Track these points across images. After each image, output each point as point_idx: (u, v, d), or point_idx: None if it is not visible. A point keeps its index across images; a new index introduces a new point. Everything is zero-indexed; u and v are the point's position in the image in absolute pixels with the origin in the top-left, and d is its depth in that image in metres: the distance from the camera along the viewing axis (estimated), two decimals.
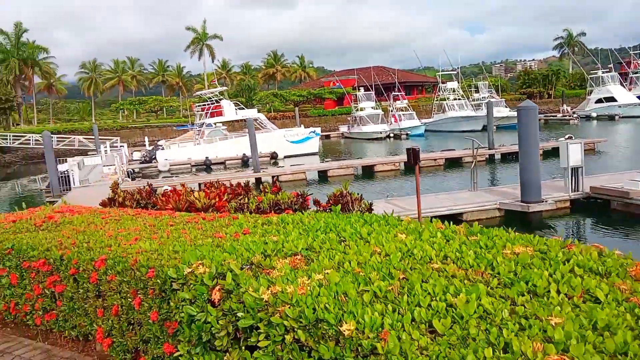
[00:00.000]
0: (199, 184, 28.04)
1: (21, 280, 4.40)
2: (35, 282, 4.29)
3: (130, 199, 6.63)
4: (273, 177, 26.03)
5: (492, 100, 47.69)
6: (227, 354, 3.05)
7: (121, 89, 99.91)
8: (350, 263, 2.95)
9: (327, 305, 2.37)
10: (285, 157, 38.01)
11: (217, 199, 6.25)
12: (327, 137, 60.30)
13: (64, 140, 55.18)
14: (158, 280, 3.36)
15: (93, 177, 29.78)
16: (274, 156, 37.70)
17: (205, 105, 43.02)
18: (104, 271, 3.76)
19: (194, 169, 37.13)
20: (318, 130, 41.46)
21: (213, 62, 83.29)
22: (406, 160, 27.10)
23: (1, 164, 53.64)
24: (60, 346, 4.33)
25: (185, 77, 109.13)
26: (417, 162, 7.63)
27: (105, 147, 43.67)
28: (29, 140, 55.68)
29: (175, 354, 3.32)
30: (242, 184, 7.01)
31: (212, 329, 3.05)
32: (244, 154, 35.92)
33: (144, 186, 7.04)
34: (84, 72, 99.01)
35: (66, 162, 32.00)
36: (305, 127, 42.11)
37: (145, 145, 50.35)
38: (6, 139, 55.86)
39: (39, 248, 4.32)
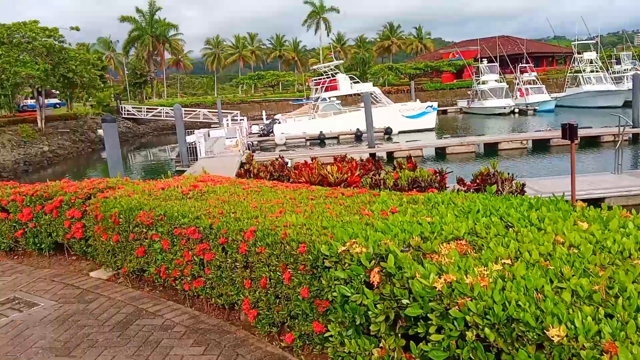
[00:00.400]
0: (311, 158, 28.58)
1: (172, 246, 4.58)
2: (185, 248, 4.43)
3: (264, 170, 6.71)
4: (388, 153, 25.62)
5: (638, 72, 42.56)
6: (382, 340, 2.86)
7: (241, 64, 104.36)
8: (530, 253, 2.58)
9: (519, 302, 2.05)
10: (399, 132, 37.29)
11: (349, 174, 6.09)
12: (444, 112, 58.11)
13: (190, 114, 58.94)
14: (309, 256, 3.25)
15: (217, 148, 31.51)
16: (387, 131, 37.14)
17: (320, 79, 43.38)
18: (253, 242, 3.75)
19: (308, 143, 37.80)
20: (435, 104, 40.01)
21: (329, 35, 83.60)
22: (537, 139, 25.11)
23: (136, 134, 58.70)
24: (207, 313, 4.46)
25: (301, 52, 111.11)
26: (574, 139, 6.85)
27: (227, 120, 46.02)
28: (160, 112, 60.40)
29: (325, 334, 3.22)
30: (372, 160, 6.77)
31: (368, 312, 2.88)
32: (357, 129, 35.79)
33: (276, 158, 7.07)
34: (208, 48, 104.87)
35: (193, 133, 34.20)
36: (421, 102, 40.86)
37: (262, 119, 52.20)
38: (141, 111, 61.04)
39: (189, 216, 4.45)
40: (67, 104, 58.34)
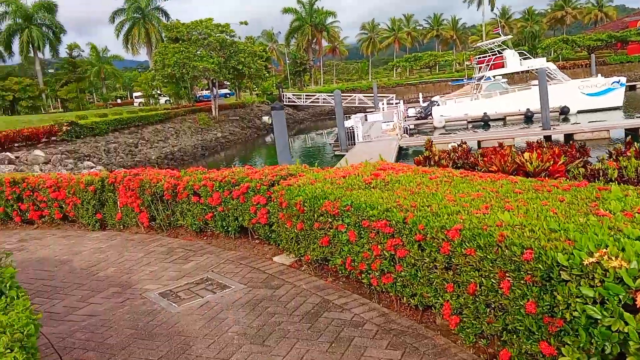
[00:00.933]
0: (478, 142, 27.11)
1: (359, 239, 4.34)
2: (374, 242, 4.15)
3: (447, 157, 6.16)
4: (566, 135, 23.02)
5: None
6: None
7: (396, 47, 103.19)
8: None
9: None
10: (578, 112, 33.42)
11: (551, 162, 5.26)
12: (632, 88, 50.76)
13: (346, 99, 59.93)
14: (539, 266, 2.70)
15: (373, 132, 31.45)
16: (564, 111, 33.51)
17: (484, 57, 40.71)
18: (458, 243, 3.29)
19: (470, 126, 35.83)
20: (623, 80, 35.00)
21: (492, 10, 78.29)
22: None
23: (295, 120, 61.51)
24: (397, 311, 4.15)
25: (460, 30, 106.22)
26: None
27: (383, 104, 45.77)
28: (318, 99, 62.48)
29: (557, 358, 2.66)
30: (576, 145, 5.82)
31: (627, 341, 2.28)
32: (528, 109, 32.88)
33: (459, 144, 6.47)
34: (364, 33, 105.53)
35: (350, 118, 34.55)
36: (604, 77, 36.06)
37: (419, 102, 50.90)
38: (300, 98, 63.80)
39: (378, 208, 4.14)
40: (236, 94, 63.39)
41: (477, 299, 3.24)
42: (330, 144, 33.68)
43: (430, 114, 37.89)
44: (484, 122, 35.32)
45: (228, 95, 67.46)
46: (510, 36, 53.59)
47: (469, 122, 36.26)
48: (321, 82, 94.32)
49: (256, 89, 57.86)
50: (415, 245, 3.72)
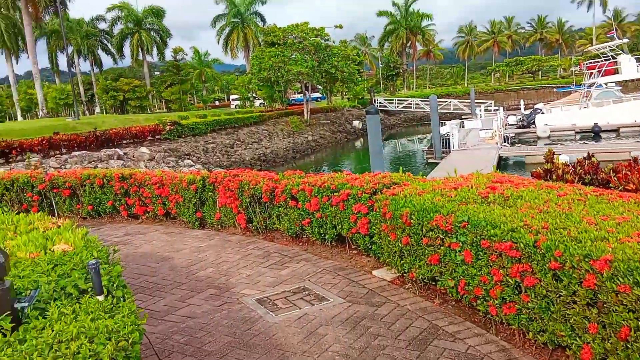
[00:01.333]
0: (588, 155, 24.92)
1: (476, 260, 3.90)
2: (495, 266, 3.69)
3: (572, 172, 5.49)
4: None
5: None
6: None
7: (495, 51, 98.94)
8: None
9: None
10: None
11: None
12: None
13: (441, 104, 58.20)
14: None
15: (470, 140, 30.13)
16: None
17: (595, 62, 37.65)
18: (608, 276, 2.78)
19: (577, 137, 33.24)
20: None
21: (604, 12, 72.62)
22: None
23: (386, 125, 60.67)
24: (520, 348, 3.65)
25: (566, 33, 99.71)
26: None
27: (480, 110, 43.88)
28: (411, 104, 61.34)
29: None
30: None
31: None
32: None
33: (584, 157, 5.76)
34: (460, 36, 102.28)
35: (445, 125, 33.40)
36: None
37: (520, 109, 48.23)
38: (392, 103, 63.00)
39: (501, 227, 3.68)
40: (327, 98, 63.92)
41: (630, 346, 2.70)
42: (423, 151, 32.69)
43: (533, 122, 35.66)
44: (594, 133, 32.59)
45: (319, 99, 68.29)
46: (626, 39, 49.31)
47: (576, 132, 33.66)
48: (414, 87, 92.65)
49: (347, 92, 57.99)
50: (549, 274, 3.22)
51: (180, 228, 8.09)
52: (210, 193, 7.56)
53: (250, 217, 7.14)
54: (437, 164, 25.59)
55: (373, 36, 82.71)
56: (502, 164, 24.17)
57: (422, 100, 60.77)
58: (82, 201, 9.10)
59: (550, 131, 33.81)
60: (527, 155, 24.59)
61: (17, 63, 61.06)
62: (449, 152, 26.43)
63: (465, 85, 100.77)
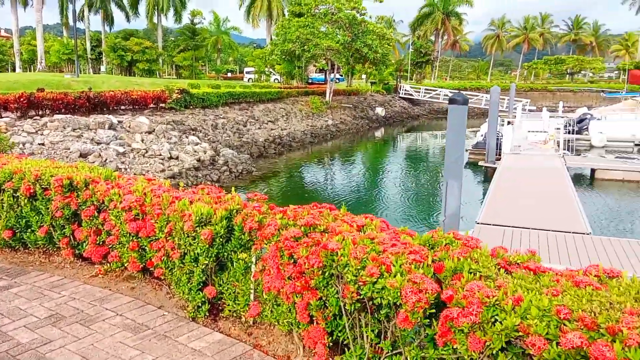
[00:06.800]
0: None
1: None
2: None
3: None
4: None
5: None
6: None
7: (525, 47, 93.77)
8: None
9: None
10: None
11: None
12: None
13: (472, 98, 53.80)
14: None
15: (517, 142, 26.11)
16: None
17: None
18: None
19: (636, 149, 29.17)
20: None
21: None
22: None
23: (410, 115, 56.35)
24: None
25: (602, 36, 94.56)
26: None
27: (524, 109, 39.54)
28: (439, 94, 56.89)
29: None
30: None
31: None
32: None
33: None
34: (491, 29, 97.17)
35: (485, 122, 29.33)
36: None
37: (557, 111, 43.94)
38: (418, 92, 58.55)
39: None
40: (347, 80, 59.42)
41: None
42: (467, 151, 27.85)
43: (586, 128, 31.46)
44: None
45: (338, 81, 63.83)
46: None
47: (636, 144, 29.54)
48: (433, 78, 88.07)
49: (374, 77, 53.53)
50: None
51: (166, 312, 3.90)
52: (239, 250, 3.52)
53: (339, 337, 3.01)
54: (489, 169, 21.59)
55: (402, 21, 77.80)
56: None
57: (450, 92, 56.25)
58: None
59: (607, 140, 29.74)
60: (598, 168, 20.47)
61: (24, 11, 56.66)
62: (499, 156, 22.38)
63: (488, 80, 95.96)
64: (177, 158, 18.58)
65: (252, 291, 3.50)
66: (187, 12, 58.26)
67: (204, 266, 3.58)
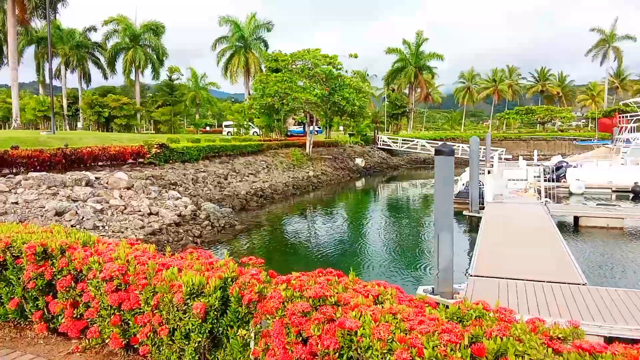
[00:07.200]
0: None
1: None
2: None
3: None
4: None
5: None
6: None
7: (495, 98, 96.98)
8: None
9: None
10: None
11: None
12: None
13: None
14: None
15: (497, 190, 26.38)
16: None
17: (632, 116, 34.37)
18: None
19: (614, 196, 29.63)
20: None
21: (620, 67, 70.78)
22: None
23: (389, 165, 56.86)
24: None
25: (567, 87, 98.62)
26: None
27: (499, 158, 40.19)
28: (416, 145, 57.76)
29: None
30: None
31: None
32: None
33: None
34: (461, 82, 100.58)
35: (464, 171, 29.71)
36: None
37: (533, 159, 44.87)
38: (396, 143, 59.39)
39: None
40: (326, 131, 60.09)
41: None
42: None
43: (564, 176, 31.98)
44: (635, 194, 28.96)
45: (317, 132, 64.44)
46: None
47: (613, 190, 30.04)
48: (410, 129, 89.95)
49: (351, 128, 54.27)
50: None
51: None
52: (236, 325, 3.14)
53: None
54: (473, 218, 21.49)
55: (376, 75, 79.95)
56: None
57: (428, 142, 57.23)
58: None
59: (585, 187, 30.21)
60: (582, 215, 20.55)
61: None
62: (482, 205, 22.40)
63: (462, 130, 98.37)
64: (157, 214, 18.04)
65: None
66: (164, 69, 58.89)
67: (196, 344, 3.17)
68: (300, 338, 2.58)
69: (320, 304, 2.64)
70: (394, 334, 2.20)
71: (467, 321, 2.44)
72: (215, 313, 3.16)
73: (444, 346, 2.07)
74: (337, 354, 2.36)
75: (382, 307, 2.50)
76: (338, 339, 2.34)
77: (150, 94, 68.81)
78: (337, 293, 2.73)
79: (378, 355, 2.16)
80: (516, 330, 2.18)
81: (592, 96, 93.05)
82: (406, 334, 2.20)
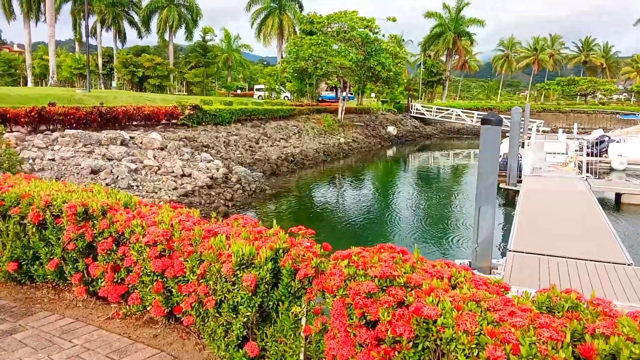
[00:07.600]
0: None
1: None
2: None
3: None
4: None
5: None
6: None
7: (535, 68, 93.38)
8: None
9: None
10: None
11: None
12: None
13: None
14: None
15: (536, 164, 25.57)
16: None
17: None
18: None
19: None
20: None
21: None
22: None
23: (422, 134, 55.83)
24: None
25: (612, 58, 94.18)
26: None
27: (539, 130, 38.86)
28: (451, 114, 56.38)
29: None
30: None
31: None
32: None
33: None
34: (500, 50, 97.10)
35: (502, 143, 28.80)
36: None
37: (572, 133, 43.28)
38: (430, 111, 58.08)
39: None
40: (357, 98, 59.10)
41: None
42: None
43: (605, 150, 30.76)
44: None
45: (349, 99, 63.45)
46: None
47: None
48: (443, 97, 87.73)
49: (385, 95, 53.17)
50: None
51: None
52: (287, 300, 2.92)
53: None
54: (510, 191, 20.91)
55: (411, 41, 77.70)
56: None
57: (463, 112, 55.76)
58: None
59: (628, 163, 29.04)
60: (625, 192, 19.71)
61: (36, 27, 57.14)
62: (520, 179, 21.71)
63: (498, 100, 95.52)
64: (189, 175, 18.07)
65: (302, 349, 2.89)
66: (198, 30, 58.45)
67: (245, 318, 2.97)
68: (364, 321, 2.33)
69: (387, 284, 2.38)
70: (481, 325, 1.92)
71: (558, 312, 2.14)
72: (266, 286, 2.93)
73: (544, 344, 1.78)
74: (412, 342, 2.10)
75: (461, 292, 2.22)
76: (413, 327, 2.08)
77: (183, 55, 68.65)
78: (405, 273, 2.46)
79: (464, 350, 1.89)
80: (625, 327, 1.87)
81: (638, 69, 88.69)
82: (494, 326, 1.92)
